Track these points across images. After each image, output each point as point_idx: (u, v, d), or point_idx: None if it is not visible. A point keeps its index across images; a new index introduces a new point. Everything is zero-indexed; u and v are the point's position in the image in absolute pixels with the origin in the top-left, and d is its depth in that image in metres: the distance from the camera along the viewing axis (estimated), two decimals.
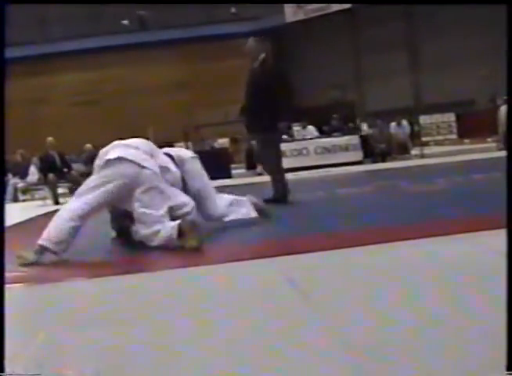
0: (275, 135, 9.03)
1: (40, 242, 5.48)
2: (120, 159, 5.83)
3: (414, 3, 33.53)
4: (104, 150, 6.19)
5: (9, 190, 18.19)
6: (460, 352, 2.35)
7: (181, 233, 5.49)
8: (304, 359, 2.47)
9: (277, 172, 9.01)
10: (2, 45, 3.13)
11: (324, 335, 2.77)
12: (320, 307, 3.26)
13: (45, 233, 5.54)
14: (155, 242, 5.68)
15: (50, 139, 15.56)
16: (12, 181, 18.56)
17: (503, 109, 19.74)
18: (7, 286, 3.15)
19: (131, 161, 5.81)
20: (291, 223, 6.97)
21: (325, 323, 2.97)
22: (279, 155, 9.26)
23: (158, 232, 5.65)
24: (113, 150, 6.05)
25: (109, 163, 5.83)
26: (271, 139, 8.88)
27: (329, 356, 2.49)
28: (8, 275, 3.57)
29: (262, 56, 8.89)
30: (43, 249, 5.48)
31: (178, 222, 5.60)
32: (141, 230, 5.81)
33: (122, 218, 6.32)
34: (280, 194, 8.78)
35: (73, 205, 5.73)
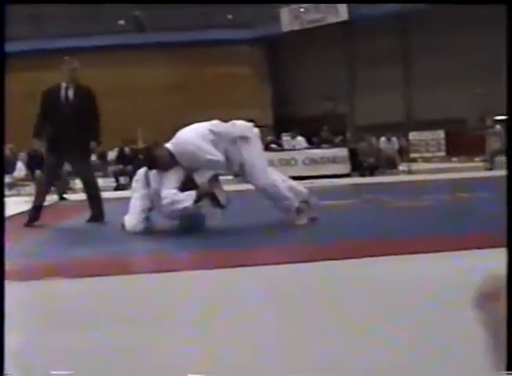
0: (87, 154, 9.12)
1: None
2: None
3: (414, 3, 33.49)
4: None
5: None
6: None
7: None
8: None
9: (93, 189, 9.05)
10: (2, 45, 3.14)
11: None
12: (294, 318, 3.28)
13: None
14: None
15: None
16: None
17: (497, 129, 19.84)
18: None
19: None
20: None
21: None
22: (92, 173, 9.41)
23: None
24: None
25: None
26: (84, 158, 8.99)
27: None
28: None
29: (75, 77, 8.96)
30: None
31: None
32: None
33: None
34: (97, 212, 8.82)
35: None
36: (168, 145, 7.15)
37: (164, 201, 6.93)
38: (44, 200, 8.86)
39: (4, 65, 3.50)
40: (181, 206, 6.89)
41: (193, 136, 7.13)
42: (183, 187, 7.01)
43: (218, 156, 7.11)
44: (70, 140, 8.52)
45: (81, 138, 8.63)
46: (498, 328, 1.43)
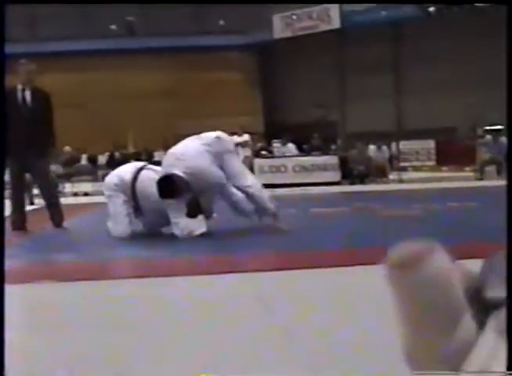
0: (45, 158, 8.97)
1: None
2: None
3: (414, 3, 33.55)
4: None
5: None
6: None
7: None
8: None
9: (52, 197, 9.01)
10: (2, 45, 3.12)
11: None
12: (287, 326, 3.26)
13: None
14: None
15: None
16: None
17: (487, 139, 19.91)
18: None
19: None
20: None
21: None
22: (51, 178, 9.42)
23: None
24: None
25: None
26: (43, 165, 8.87)
27: None
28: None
29: (32, 79, 8.88)
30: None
31: None
32: None
33: None
34: (57, 219, 8.77)
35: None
36: (180, 173, 7.01)
37: (182, 233, 7.08)
38: (21, 207, 8.79)
39: (4, 65, 3.49)
40: (197, 233, 7.07)
41: (203, 163, 7.12)
42: (189, 211, 7.11)
43: (224, 177, 7.23)
44: (28, 143, 8.44)
45: (38, 141, 8.55)
46: (410, 296, 1.40)
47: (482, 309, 1.41)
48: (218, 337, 3.13)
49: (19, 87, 8.72)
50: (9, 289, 2.75)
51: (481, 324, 1.40)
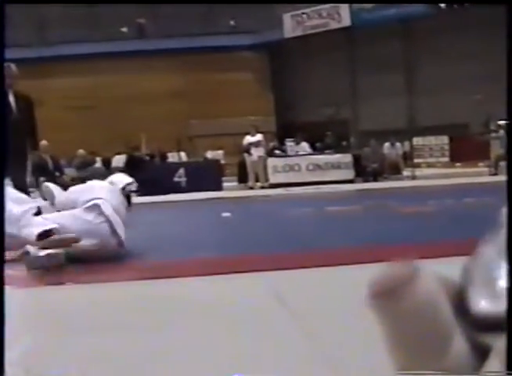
0: (25, 163, 8.93)
1: None
2: None
3: (416, 3, 33.44)
4: None
5: None
6: None
7: None
8: None
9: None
10: (2, 46, 3.13)
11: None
12: (306, 324, 3.27)
13: None
14: None
15: (43, 142, 15.50)
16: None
17: (501, 134, 19.80)
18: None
19: None
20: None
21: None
22: (27, 188, 9.17)
23: None
24: None
25: None
26: (21, 168, 8.78)
27: None
28: None
29: (13, 83, 8.73)
30: None
31: None
32: None
33: None
34: None
35: None
36: None
37: None
38: None
39: (4, 66, 3.50)
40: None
41: None
42: None
43: None
44: (9, 149, 8.31)
45: (19, 146, 8.46)
46: (395, 325, 1.38)
47: (470, 322, 1.39)
48: (239, 337, 3.13)
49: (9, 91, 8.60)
50: None
51: (471, 340, 1.39)
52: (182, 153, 26.07)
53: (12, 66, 8.72)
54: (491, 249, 1.44)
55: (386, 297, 1.39)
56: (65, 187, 9.70)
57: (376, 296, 1.41)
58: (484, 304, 1.37)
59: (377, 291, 1.41)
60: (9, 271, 5.13)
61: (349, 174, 20.01)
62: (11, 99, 8.60)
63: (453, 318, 1.39)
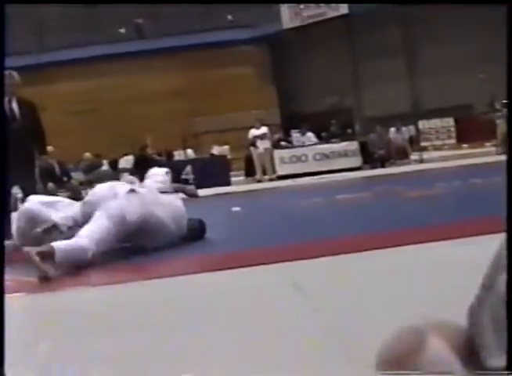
0: (33, 170, 8.97)
1: None
2: None
3: (414, 3, 33.39)
4: None
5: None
6: None
7: None
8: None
9: None
10: (2, 46, 3.11)
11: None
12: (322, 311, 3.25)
13: None
14: None
15: (49, 147, 15.49)
16: (12, 191, 18.47)
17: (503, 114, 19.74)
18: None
19: None
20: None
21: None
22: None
23: None
24: None
25: None
26: (30, 175, 8.82)
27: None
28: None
29: (16, 91, 8.65)
30: None
31: None
32: None
33: None
34: None
35: None
36: None
37: None
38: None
39: (4, 67, 3.48)
40: None
41: None
42: None
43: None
44: (17, 155, 8.27)
45: (26, 153, 8.46)
46: None
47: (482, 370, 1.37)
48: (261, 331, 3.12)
49: (6, 99, 8.52)
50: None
51: None
52: (190, 151, 26.09)
53: (14, 73, 8.73)
54: (494, 296, 1.41)
55: (393, 367, 1.38)
56: (73, 192, 9.67)
57: (383, 367, 1.41)
58: (498, 360, 1.35)
59: (385, 362, 1.41)
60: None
61: (356, 161, 20.01)
62: (15, 105, 8.60)
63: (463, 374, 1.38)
